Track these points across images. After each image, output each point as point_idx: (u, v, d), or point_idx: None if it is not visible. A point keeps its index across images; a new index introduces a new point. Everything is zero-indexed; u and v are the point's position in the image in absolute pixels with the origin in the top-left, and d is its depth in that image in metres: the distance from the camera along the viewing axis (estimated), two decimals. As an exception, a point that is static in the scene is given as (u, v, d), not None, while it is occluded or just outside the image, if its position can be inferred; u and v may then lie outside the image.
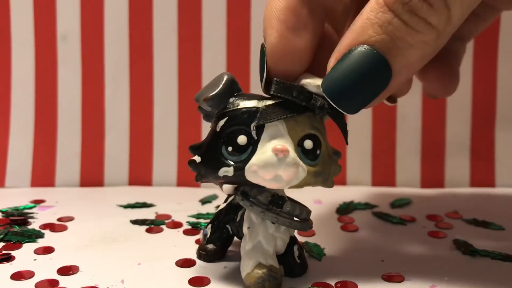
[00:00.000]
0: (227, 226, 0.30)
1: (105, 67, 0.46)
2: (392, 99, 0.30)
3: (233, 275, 0.28)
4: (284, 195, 0.27)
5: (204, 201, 0.41)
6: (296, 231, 0.29)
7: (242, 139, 0.25)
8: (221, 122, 0.26)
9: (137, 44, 0.46)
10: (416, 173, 0.46)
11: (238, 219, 0.29)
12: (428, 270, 0.29)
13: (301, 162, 0.25)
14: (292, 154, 0.25)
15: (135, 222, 0.36)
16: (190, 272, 0.29)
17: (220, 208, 0.30)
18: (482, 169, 0.46)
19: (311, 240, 0.33)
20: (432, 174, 0.46)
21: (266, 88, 0.26)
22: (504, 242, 0.33)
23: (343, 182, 0.46)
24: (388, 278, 0.28)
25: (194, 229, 0.35)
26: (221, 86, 0.26)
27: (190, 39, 0.46)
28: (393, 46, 0.23)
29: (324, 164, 0.26)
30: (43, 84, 0.46)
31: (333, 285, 0.27)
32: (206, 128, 0.46)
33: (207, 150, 0.26)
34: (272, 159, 0.24)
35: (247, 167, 0.25)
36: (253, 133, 0.25)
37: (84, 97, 0.46)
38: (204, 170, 0.26)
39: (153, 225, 0.36)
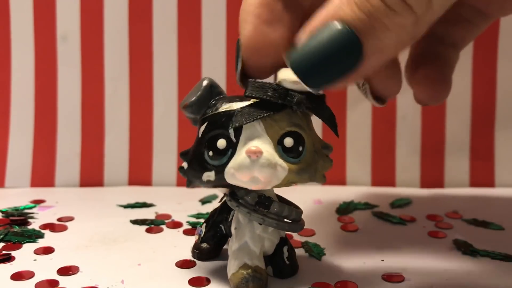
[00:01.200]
0: (220, 225, 0.30)
1: (105, 67, 0.46)
2: (381, 100, 0.30)
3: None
4: (272, 196, 0.27)
5: (204, 201, 0.41)
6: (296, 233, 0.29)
7: (221, 143, 0.25)
8: (202, 128, 0.27)
9: (137, 44, 0.46)
10: (416, 173, 0.46)
11: (229, 219, 0.29)
12: (428, 270, 0.29)
13: (279, 161, 0.25)
14: (267, 154, 0.24)
15: (135, 222, 0.36)
16: (190, 272, 0.29)
17: (215, 207, 0.31)
18: (482, 169, 0.46)
19: (311, 240, 0.33)
20: (432, 174, 0.46)
21: (242, 83, 0.26)
22: (504, 242, 0.33)
23: (343, 182, 0.46)
24: (388, 278, 0.28)
25: (194, 229, 0.35)
26: (199, 92, 0.27)
27: (190, 39, 0.46)
28: (368, 26, 0.22)
29: (309, 160, 0.26)
30: (43, 84, 0.46)
31: (333, 285, 0.27)
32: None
33: (193, 156, 0.27)
34: (246, 161, 0.24)
35: (226, 170, 0.25)
36: (231, 136, 0.25)
37: (84, 97, 0.46)
38: (191, 175, 0.27)
39: (153, 225, 0.36)
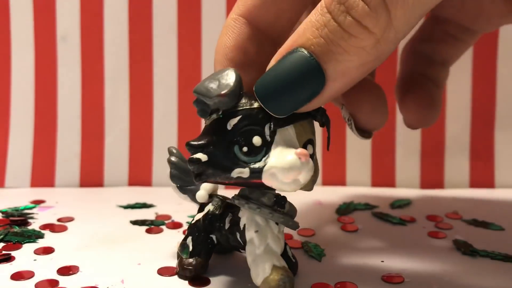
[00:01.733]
0: (211, 236, 0.29)
1: (105, 67, 0.46)
2: (367, 134, 0.30)
3: (233, 275, 0.28)
4: (285, 196, 0.27)
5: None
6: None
7: (257, 140, 0.24)
8: (234, 121, 0.25)
9: (136, 44, 0.46)
10: (416, 173, 0.46)
11: (227, 227, 0.28)
12: (428, 270, 0.29)
13: None
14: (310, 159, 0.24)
15: (135, 222, 0.36)
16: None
17: (197, 219, 0.29)
18: (482, 170, 0.46)
19: (311, 240, 0.33)
20: (432, 174, 0.46)
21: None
22: (504, 242, 0.33)
23: (343, 183, 0.46)
24: (388, 279, 0.28)
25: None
26: (234, 82, 0.25)
27: (190, 40, 0.46)
28: (326, 51, 0.22)
29: (315, 168, 0.26)
30: (43, 84, 0.46)
31: (333, 285, 0.27)
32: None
33: (216, 149, 0.25)
34: (297, 162, 0.24)
35: (265, 168, 0.24)
36: (267, 135, 0.25)
37: (84, 97, 0.46)
38: (213, 170, 0.25)
39: (153, 226, 0.36)
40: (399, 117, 0.46)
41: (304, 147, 0.25)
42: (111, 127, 0.46)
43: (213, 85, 0.25)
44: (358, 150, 0.46)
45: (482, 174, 0.46)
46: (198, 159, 0.25)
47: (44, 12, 0.46)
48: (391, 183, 0.46)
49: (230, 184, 0.25)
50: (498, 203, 0.42)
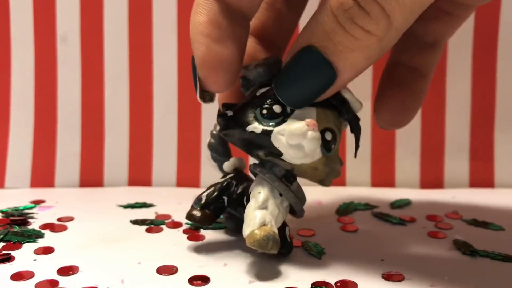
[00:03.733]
0: (223, 197, 0.31)
1: (104, 68, 0.46)
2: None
3: (234, 274, 0.28)
4: (295, 174, 0.29)
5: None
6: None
7: (277, 108, 0.27)
8: (263, 89, 0.28)
9: (136, 44, 0.46)
10: (416, 173, 0.46)
11: (239, 191, 0.31)
12: (428, 270, 0.29)
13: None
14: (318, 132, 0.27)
15: (135, 222, 0.36)
16: (190, 271, 0.29)
17: (217, 181, 0.32)
18: (482, 170, 0.46)
19: (311, 240, 0.33)
20: (432, 174, 0.46)
21: (202, 98, 0.28)
22: (504, 242, 0.33)
23: (342, 183, 0.46)
24: (388, 277, 0.28)
25: (193, 229, 0.35)
26: (269, 58, 0.29)
27: (189, 39, 0.46)
28: (335, 50, 0.24)
29: (334, 159, 0.29)
30: (43, 85, 0.46)
31: (333, 284, 0.27)
32: (206, 129, 0.46)
33: (242, 108, 0.28)
34: (303, 127, 0.26)
35: (276, 130, 0.27)
36: (288, 107, 0.27)
37: (84, 97, 0.46)
38: (234, 123, 0.28)
39: (153, 225, 0.36)
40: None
41: (323, 132, 0.28)
42: (111, 127, 0.46)
43: (254, 62, 0.29)
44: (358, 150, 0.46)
45: (482, 174, 0.46)
46: (225, 113, 0.29)
47: (44, 12, 0.46)
48: (391, 183, 0.46)
49: (241, 141, 0.28)
50: (498, 203, 0.42)
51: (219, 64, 0.27)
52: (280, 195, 0.28)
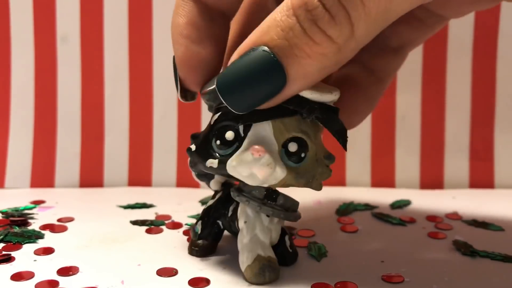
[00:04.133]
0: (218, 221, 0.31)
1: (104, 68, 0.46)
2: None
3: (233, 275, 0.28)
4: (276, 190, 0.28)
5: (204, 202, 0.41)
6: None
7: (229, 135, 0.26)
8: (215, 116, 0.28)
9: (137, 44, 0.46)
10: (416, 174, 0.46)
11: (230, 214, 0.30)
12: (428, 271, 0.29)
13: (279, 163, 0.26)
14: (268, 155, 0.25)
15: (135, 222, 0.36)
16: (190, 273, 0.29)
17: (208, 204, 0.31)
18: (482, 170, 0.46)
19: (311, 240, 0.33)
20: (432, 175, 0.46)
21: (182, 97, 0.29)
22: (504, 243, 0.33)
23: (342, 183, 0.46)
24: (388, 279, 0.28)
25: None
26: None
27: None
28: (290, 53, 0.22)
29: (308, 167, 0.27)
30: (43, 85, 0.46)
31: (333, 285, 0.27)
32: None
33: (202, 141, 0.28)
34: (248, 157, 0.25)
35: (228, 161, 0.26)
36: (240, 130, 0.26)
37: (84, 97, 0.46)
38: (196, 158, 0.28)
39: (153, 226, 0.36)
40: (399, 116, 0.46)
41: (286, 144, 0.26)
42: (111, 127, 0.46)
43: (208, 84, 0.28)
44: (358, 150, 0.46)
45: (481, 175, 0.46)
46: (190, 148, 0.28)
47: (44, 12, 0.46)
48: (391, 184, 0.46)
49: (209, 172, 0.28)
50: (498, 204, 0.41)
51: (198, 64, 0.27)
52: (267, 215, 0.28)
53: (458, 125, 0.46)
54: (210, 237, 0.31)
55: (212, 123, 0.28)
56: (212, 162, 0.27)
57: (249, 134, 0.26)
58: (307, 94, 0.25)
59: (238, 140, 0.26)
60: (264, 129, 0.26)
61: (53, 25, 0.46)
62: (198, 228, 0.31)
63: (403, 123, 0.46)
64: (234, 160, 0.26)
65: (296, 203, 0.29)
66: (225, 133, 0.26)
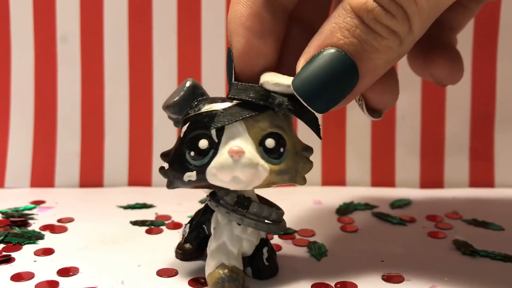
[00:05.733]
0: (204, 226, 0.30)
1: (104, 67, 0.46)
2: (378, 113, 0.30)
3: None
4: (252, 196, 0.27)
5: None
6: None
7: (203, 143, 0.25)
8: (184, 128, 0.26)
9: (136, 44, 0.46)
10: (416, 173, 0.46)
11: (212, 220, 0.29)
12: (428, 270, 0.29)
13: (260, 162, 0.25)
14: (248, 154, 0.25)
15: (135, 223, 0.36)
16: (190, 273, 0.29)
17: (200, 208, 0.31)
18: (482, 170, 0.46)
19: (311, 239, 0.33)
20: (432, 174, 0.46)
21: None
22: (504, 242, 0.33)
23: (342, 183, 0.46)
24: (388, 279, 0.28)
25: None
26: (182, 93, 0.27)
27: (190, 39, 0.46)
28: (360, 49, 0.24)
29: (289, 162, 0.26)
30: (43, 85, 0.46)
31: (333, 285, 0.27)
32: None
33: (174, 156, 0.27)
34: (228, 161, 0.25)
35: (207, 170, 0.25)
36: (213, 136, 0.25)
37: (83, 97, 0.46)
38: (172, 176, 0.27)
39: (153, 226, 0.36)
40: (399, 116, 0.46)
41: (263, 142, 0.25)
42: (111, 127, 0.46)
43: (168, 98, 0.27)
44: (358, 150, 0.46)
45: (481, 174, 0.46)
46: (163, 167, 0.27)
47: (44, 12, 0.46)
48: (391, 183, 0.46)
49: (190, 187, 0.27)
50: (498, 203, 0.42)
51: (257, 59, 0.27)
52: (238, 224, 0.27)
53: (458, 124, 0.46)
54: (196, 241, 0.30)
55: (182, 135, 0.26)
56: (190, 175, 0.26)
57: (223, 138, 0.25)
58: (273, 87, 0.25)
59: (213, 147, 0.25)
60: (238, 130, 0.25)
61: (53, 24, 0.46)
62: (186, 230, 0.30)
63: (403, 122, 0.46)
64: (214, 167, 0.25)
65: (279, 213, 0.28)
66: (198, 142, 0.25)
